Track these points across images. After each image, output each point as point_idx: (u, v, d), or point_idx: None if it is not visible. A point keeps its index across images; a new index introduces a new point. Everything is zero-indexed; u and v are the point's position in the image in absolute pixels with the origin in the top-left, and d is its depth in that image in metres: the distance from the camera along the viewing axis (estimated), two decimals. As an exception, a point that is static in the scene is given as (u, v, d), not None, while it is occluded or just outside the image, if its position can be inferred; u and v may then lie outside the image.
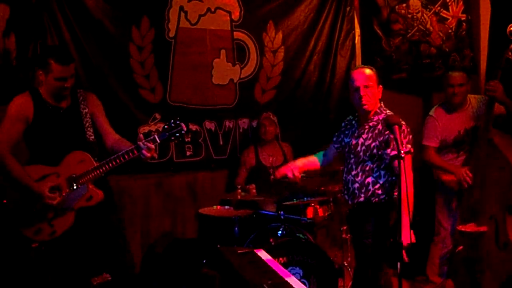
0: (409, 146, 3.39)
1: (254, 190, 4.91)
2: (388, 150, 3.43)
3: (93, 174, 3.59)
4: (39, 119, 3.65)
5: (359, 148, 3.59)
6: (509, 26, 4.11)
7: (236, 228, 4.49)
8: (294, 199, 4.72)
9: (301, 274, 4.09)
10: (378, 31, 5.79)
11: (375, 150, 3.51)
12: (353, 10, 5.90)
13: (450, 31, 5.77)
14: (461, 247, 4.23)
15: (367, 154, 3.54)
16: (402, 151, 2.91)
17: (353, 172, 3.62)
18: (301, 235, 4.36)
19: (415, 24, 5.74)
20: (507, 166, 4.17)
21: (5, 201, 3.63)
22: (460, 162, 4.47)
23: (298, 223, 4.55)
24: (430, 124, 4.57)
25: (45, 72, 3.59)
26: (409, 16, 5.75)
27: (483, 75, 5.71)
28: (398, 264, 2.86)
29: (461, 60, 5.74)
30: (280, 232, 4.32)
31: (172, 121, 3.58)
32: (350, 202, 3.68)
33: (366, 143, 3.56)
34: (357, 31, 5.95)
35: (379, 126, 3.50)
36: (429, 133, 4.56)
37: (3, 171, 3.58)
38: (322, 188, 4.87)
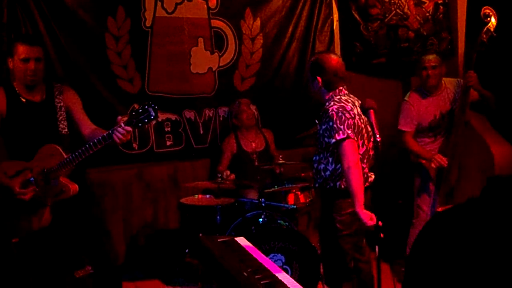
0: (348, 131, 3.34)
1: (233, 176, 4.90)
2: (327, 139, 3.46)
3: (64, 168, 3.53)
4: (12, 113, 3.60)
5: (318, 134, 3.64)
6: (483, 8, 4.14)
7: (218, 217, 4.48)
8: (275, 186, 4.73)
9: (283, 261, 4.10)
10: (356, 16, 5.79)
11: (321, 137, 3.55)
12: (331, -5, 5.89)
13: (427, 14, 5.77)
14: None
15: (320, 140, 3.58)
16: (378, 136, 2.92)
17: (315, 157, 3.68)
18: (282, 222, 4.37)
19: (393, 8, 5.74)
20: (485, 147, 4.20)
21: None
22: (437, 146, 4.51)
23: (279, 210, 4.57)
24: (405, 109, 4.59)
25: (12, 57, 3.57)
26: (387, 0, 5.74)
27: (461, 58, 5.72)
28: (377, 247, 2.87)
29: (439, 43, 5.75)
30: (261, 219, 4.32)
31: (141, 106, 3.38)
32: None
33: (320, 130, 3.58)
34: (335, 16, 5.94)
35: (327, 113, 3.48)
36: (404, 118, 4.57)
37: None
38: (303, 174, 4.89)
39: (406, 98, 4.64)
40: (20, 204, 3.55)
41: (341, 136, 3.34)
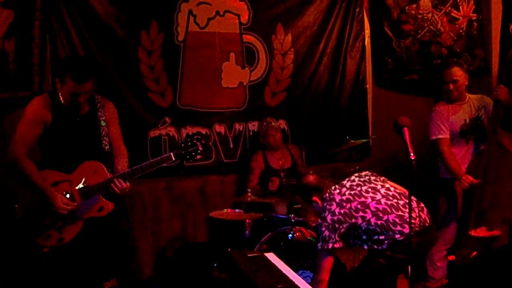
0: (320, 243, 3.39)
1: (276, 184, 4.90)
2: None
3: (105, 187, 3.55)
4: (57, 123, 3.58)
5: None
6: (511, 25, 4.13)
7: (247, 231, 4.48)
8: (303, 203, 4.70)
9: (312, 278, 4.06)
10: (388, 32, 5.77)
11: None
12: (363, 11, 5.88)
13: (461, 31, 5.72)
14: (475, 252, 4.18)
15: None
16: (412, 154, 2.88)
17: None
18: (311, 238, 4.33)
19: (426, 24, 5.71)
20: None
21: (16, 206, 3.61)
22: (470, 154, 4.45)
23: (309, 226, 4.53)
24: (436, 117, 4.53)
25: (61, 82, 3.53)
26: (420, 16, 5.71)
27: (495, 75, 5.65)
28: (409, 267, 2.83)
29: (473, 61, 5.70)
30: (290, 235, 4.29)
31: (189, 139, 3.65)
32: None
33: None
34: (367, 32, 5.94)
35: None
36: (437, 126, 4.49)
37: (19, 174, 3.51)
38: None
39: (434, 108, 4.61)
40: (57, 216, 3.55)
41: (319, 247, 3.41)
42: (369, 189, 3.48)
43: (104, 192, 3.59)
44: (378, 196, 3.42)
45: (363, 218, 3.34)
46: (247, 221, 4.52)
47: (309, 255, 4.08)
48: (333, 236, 3.35)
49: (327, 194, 3.52)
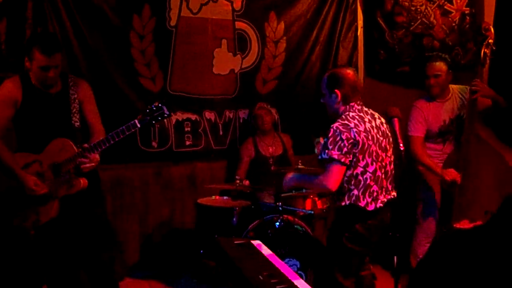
0: (335, 153, 3.18)
1: (247, 182, 4.88)
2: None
3: (74, 162, 3.55)
4: (27, 104, 3.61)
5: None
6: (483, 23, 4.19)
7: (234, 219, 4.48)
8: (293, 191, 4.70)
9: (298, 266, 4.08)
10: (382, 23, 5.75)
11: None
12: (356, 1, 5.86)
13: (453, 24, 5.72)
14: None
15: None
16: (401, 145, 2.89)
17: None
18: (299, 227, 4.35)
19: (419, 17, 5.70)
20: (499, 157, 4.14)
21: None
22: (446, 152, 4.46)
23: (296, 215, 4.54)
24: (414, 113, 4.52)
25: (30, 60, 3.55)
26: (413, 8, 5.70)
27: (487, 70, 5.65)
28: (395, 257, 2.84)
29: (464, 54, 5.70)
30: (278, 223, 4.30)
31: (154, 104, 3.55)
32: None
33: None
34: (360, 23, 5.92)
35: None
36: (413, 123, 4.50)
37: None
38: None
39: (414, 104, 4.60)
40: (32, 196, 3.56)
41: (325, 156, 3.22)
42: (385, 148, 3.36)
43: (74, 168, 3.58)
44: (383, 164, 3.34)
45: (366, 165, 3.22)
46: (235, 208, 4.52)
47: (295, 244, 4.09)
48: (349, 153, 3.18)
49: (358, 109, 3.34)
